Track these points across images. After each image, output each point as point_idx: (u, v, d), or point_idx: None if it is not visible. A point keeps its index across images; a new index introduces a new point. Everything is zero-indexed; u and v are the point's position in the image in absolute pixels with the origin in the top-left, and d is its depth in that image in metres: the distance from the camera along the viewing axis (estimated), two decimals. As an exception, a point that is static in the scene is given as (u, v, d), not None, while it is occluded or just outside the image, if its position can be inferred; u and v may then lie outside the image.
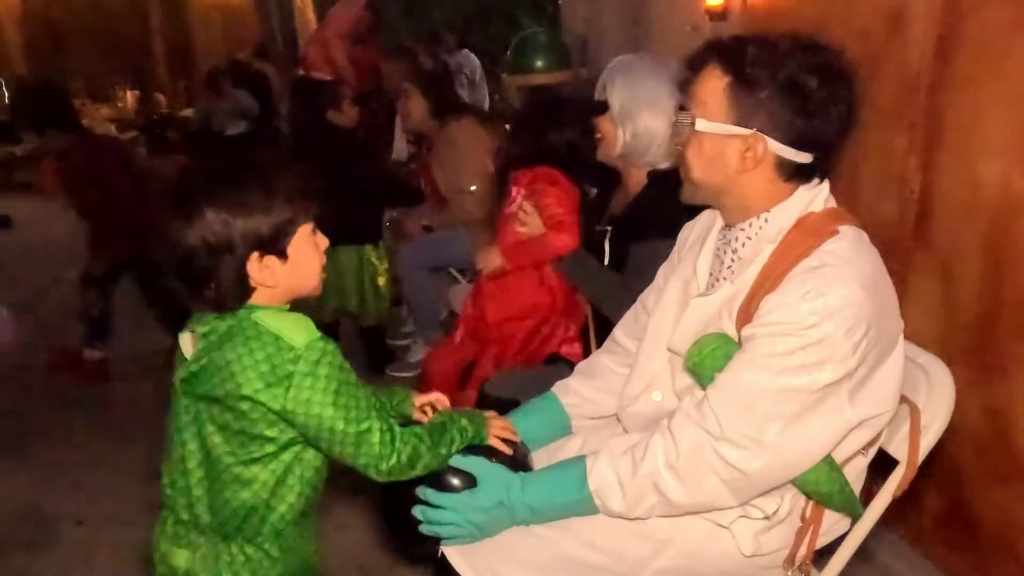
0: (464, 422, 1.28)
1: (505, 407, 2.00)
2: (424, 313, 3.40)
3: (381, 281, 3.39)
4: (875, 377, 1.15)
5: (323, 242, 1.20)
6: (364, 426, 1.13)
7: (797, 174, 1.22)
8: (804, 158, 1.20)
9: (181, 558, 1.21)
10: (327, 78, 3.18)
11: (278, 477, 1.18)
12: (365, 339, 3.48)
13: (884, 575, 2.07)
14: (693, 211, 1.43)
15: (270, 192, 1.12)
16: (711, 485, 1.16)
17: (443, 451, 1.23)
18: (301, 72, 5.24)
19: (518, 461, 1.31)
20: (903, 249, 2.04)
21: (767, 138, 1.19)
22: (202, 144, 6.62)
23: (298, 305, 1.21)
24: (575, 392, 1.52)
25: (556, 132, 2.23)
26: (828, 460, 1.17)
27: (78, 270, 3.59)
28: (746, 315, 1.20)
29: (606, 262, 2.02)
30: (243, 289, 1.13)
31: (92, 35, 10.59)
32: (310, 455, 1.20)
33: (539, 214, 2.16)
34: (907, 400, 1.27)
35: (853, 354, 1.10)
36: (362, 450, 1.14)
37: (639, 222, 1.90)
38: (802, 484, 1.20)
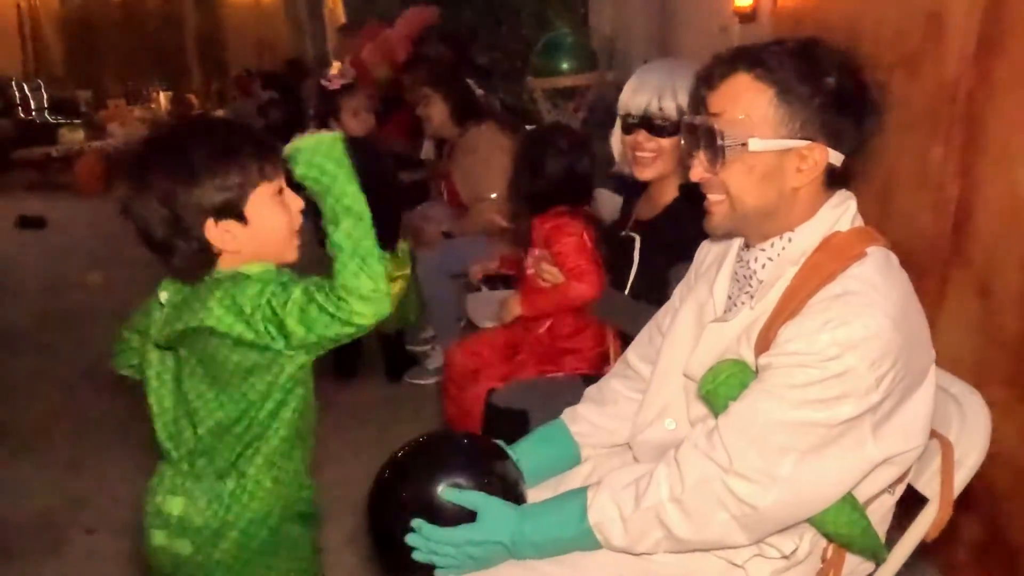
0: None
1: (513, 418, 1.93)
2: (443, 319, 3.34)
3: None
4: (902, 411, 1.07)
5: (295, 203, 1.17)
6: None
7: (838, 180, 1.16)
8: (848, 162, 1.14)
9: (176, 506, 1.24)
10: (335, 87, 3.11)
11: (269, 410, 1.18)
12: (384, 344, 3.43)
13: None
14: None
15: (216, 156, 1.09)
16: (720, 521, 1.08)
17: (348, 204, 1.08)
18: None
19: (510, 489, 1.25)
20: (939, 263, 1.94)
21: (825, 147, 1.11)
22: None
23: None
24: (585, 419, 1.44)
25: (552, 163, 2.12)
26: (849, 499, 1.09)
27: (108, 271, 3.56)
28: (765, 342, 1.12)
29: (634, 270, 1.94)
30: (207, 256, 1.12)
31: (127, 38, 10.78)
32: (299, 388, 1.20)
33: (557, 266, 2.09)
34: (938, 435, 1.18)
35: (877, 388, 1.02)
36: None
37: (680, 243, 1.78)
38: (820, 524, 1.11)
